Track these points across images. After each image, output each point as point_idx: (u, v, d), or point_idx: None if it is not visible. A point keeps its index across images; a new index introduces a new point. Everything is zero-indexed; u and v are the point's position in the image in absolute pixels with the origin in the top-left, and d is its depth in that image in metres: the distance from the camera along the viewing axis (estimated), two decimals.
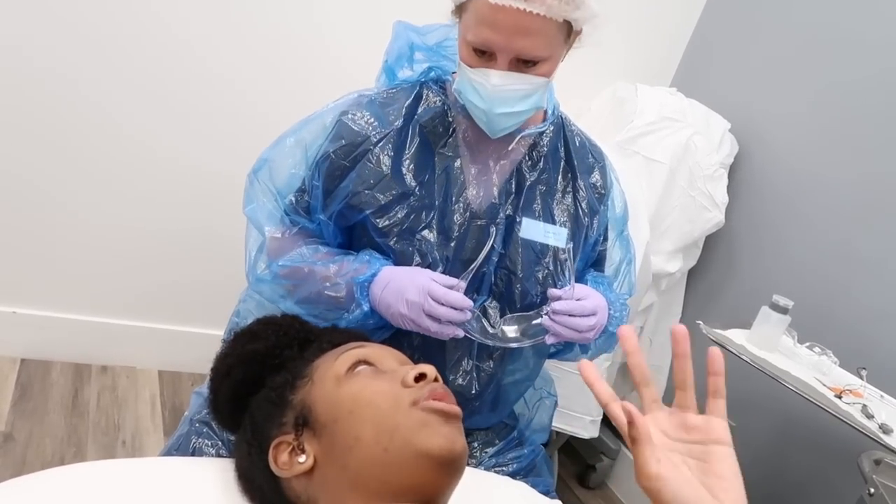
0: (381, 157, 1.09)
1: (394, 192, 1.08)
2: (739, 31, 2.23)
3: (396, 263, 1.07)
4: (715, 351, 0.63)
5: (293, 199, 1.15)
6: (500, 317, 1.11)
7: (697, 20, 2.37)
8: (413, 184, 1.09)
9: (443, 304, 0.99)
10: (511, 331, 1.09)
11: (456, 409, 0.75)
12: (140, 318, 2.19)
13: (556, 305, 1.06)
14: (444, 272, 1.07)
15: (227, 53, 1.96)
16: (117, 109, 1.93)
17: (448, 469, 0.72)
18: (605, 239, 1.27)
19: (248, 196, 1.16)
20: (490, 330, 1.08)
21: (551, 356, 1.28)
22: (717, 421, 0.63)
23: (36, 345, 2.09)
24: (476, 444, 1.21)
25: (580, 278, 1.23)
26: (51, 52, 1.82)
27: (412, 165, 1.10)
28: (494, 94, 1.01)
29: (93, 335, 2.15)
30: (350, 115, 1.12)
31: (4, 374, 2.01)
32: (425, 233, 1.08)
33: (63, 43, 1.82)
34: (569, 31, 1.02)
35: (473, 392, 1.14)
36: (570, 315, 1.06)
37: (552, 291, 1.10)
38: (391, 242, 1.08)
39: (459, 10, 1.04)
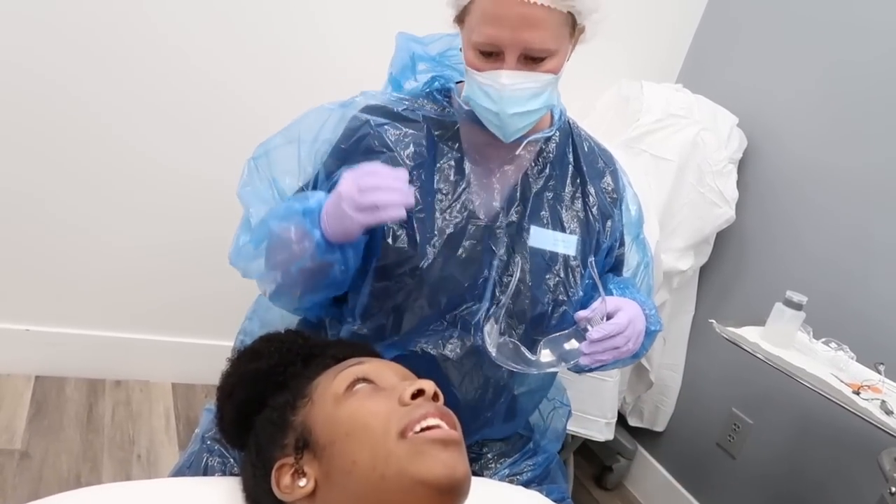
0: (384, 138, 1.09)
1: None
2: (744, 24, 2.21)
3: (398, 253, 1.05)
4: None
5: (297, 187, 1.13)
6: (507, 328, 1.09)
7: (702, 15, 2.34)
8: (415, 173, 1.08)
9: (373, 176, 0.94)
10: (546, 355, 1.07)
11: (453, 434, 0.73)
12: (152, 331, 2.20)
13: (592, 335, 1.03)
14: (440, 269, 1.05)
15: (232, 65, 1.96)
16: (124, 126, 1.94)
17: (449, 496, 0.70)
18: (622, 244, 1.25)
19: (244, 179, 1.14)
20: (530, 357, 1.05)
21: (594, 369, 1.27)
22: None
23: (49, 361, 2.10)
24: (491, 456, 1.19)
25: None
26: (55, 69, 1.83)
27: (411, 152, 1.09)
28: (506, 95, 1.00)
29: (106, 350, 2.15)
30: (354, 107, 1.13)
31: (19, 391, 2.02)
32: (425, 229, 1.07)
33: (66, 59, 1.82)
34: (573, 26, 1.02)
35: (485, 404, 1.13)
36: (607, 339, 1.04)
37: (580, 314, 1.08)
38: (395, 239, 1.06)
39: (461, 16, 1.04)
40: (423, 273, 1.05)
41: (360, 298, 1.09)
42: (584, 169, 1.18)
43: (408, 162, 1.08)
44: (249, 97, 2.00)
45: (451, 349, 1.08)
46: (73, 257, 2.03)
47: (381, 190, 0.93)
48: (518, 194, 1.13)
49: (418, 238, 1.05)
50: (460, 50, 1.08)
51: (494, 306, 1.09)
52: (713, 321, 1.58)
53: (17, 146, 1.87)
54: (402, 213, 0.94)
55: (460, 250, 1.07)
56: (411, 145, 1.09)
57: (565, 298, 1.11)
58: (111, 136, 1.94)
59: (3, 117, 1.84)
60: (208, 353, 2.20)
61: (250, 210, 1.10)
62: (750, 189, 2.07)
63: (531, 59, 1.00)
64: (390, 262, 1.06)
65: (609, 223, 1.19)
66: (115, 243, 2.05)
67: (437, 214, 1.08)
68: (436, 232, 1.07)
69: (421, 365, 1.07)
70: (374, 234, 1.05)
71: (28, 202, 1.94)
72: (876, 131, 1.79)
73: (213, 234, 2.09)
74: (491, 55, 1.00)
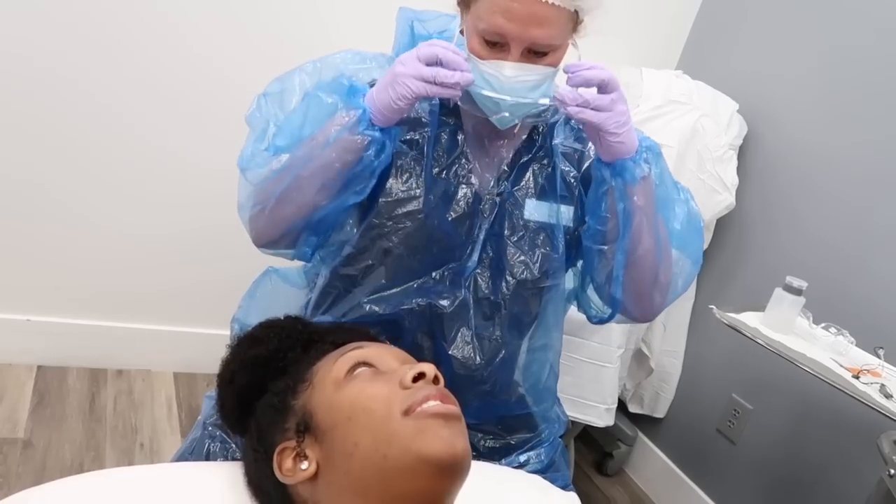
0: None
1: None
2: (744, 10, 2.20)
3: (403, 192, 1.08)
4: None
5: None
6: (493, 285, 1.12)
7: (701, 1, 2.33)
8: (418, 136, 1.10)
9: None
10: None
11: (454, 409, 0.74)
12: (154, 321, 2.21)
13: (570, 67, 1.00)
14: (444, 235, 1.08)
15: (234, 52, 1.96)
16: (125, 113, 1.93)
17: (449, 472, 0.71)
18: None
19: (252, 109, 1.16)
20: None
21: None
22: None
23: (51, 351, 2.11)
24: (498, 445, 1.19)
25: (580, 247, 1.18)
26: (56, 57, 1.82)
27: (425, 110, 1.11)
28: (508, 86, 1.01)
29: (107, 340, 2.16)
30: (377, 60, 1.15)
31: (22, 381, 2.03)
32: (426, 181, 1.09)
33: (67, 47, 1.82)
34: (576, 21, 1.03)
35: (478, 362, 1.12)
36: (581, 71, 0.99)
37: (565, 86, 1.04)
38: (401, 181, 1.08)
39: (467, 2, 1.04)
40: (422, 218, 1.08)
41: (353, 234, 1.11)
42: (572, 138, 1.18)
43: (423, 117, 1.11)
44: (252, 85, 1.98)
45: (443, 302, 1.10)
46: (74, 247, 2.03)
47: (442, 65, 0.96)
48: (513, 169, 1.15)
49: (421, 184, 1.08)
50: (461, 33, 1.07)
51: (481, 265, 1.12)
52: (713, 307, 1.58)
53: (19, 134, 1.87)
54: (459, 93, 0.99)
55: (452, 210, 1.10)
56: (426, 106, 1.12)
57: (549, 249, 1.13)
58: (113, 124, 1.93)
59: (3, 106, 1.84)
60: (209, 343, 2.19)
61: (269, 122, 1.11)
62: (750, 175, 2.07)
63: (535, 53, 1.00)
64: (392, 200, 1.08)
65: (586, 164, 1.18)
66: (116, 232, 2.06)
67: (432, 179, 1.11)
68: (431, 186, 1.10)
69: (413, 320, 1.10)
70: (382, 173, 1.06)
71: (29, 191, 1.94)
72: (875, 116, 1.79)
73: (214, 223, 2.10)
74: (496, 45, 1.00)
